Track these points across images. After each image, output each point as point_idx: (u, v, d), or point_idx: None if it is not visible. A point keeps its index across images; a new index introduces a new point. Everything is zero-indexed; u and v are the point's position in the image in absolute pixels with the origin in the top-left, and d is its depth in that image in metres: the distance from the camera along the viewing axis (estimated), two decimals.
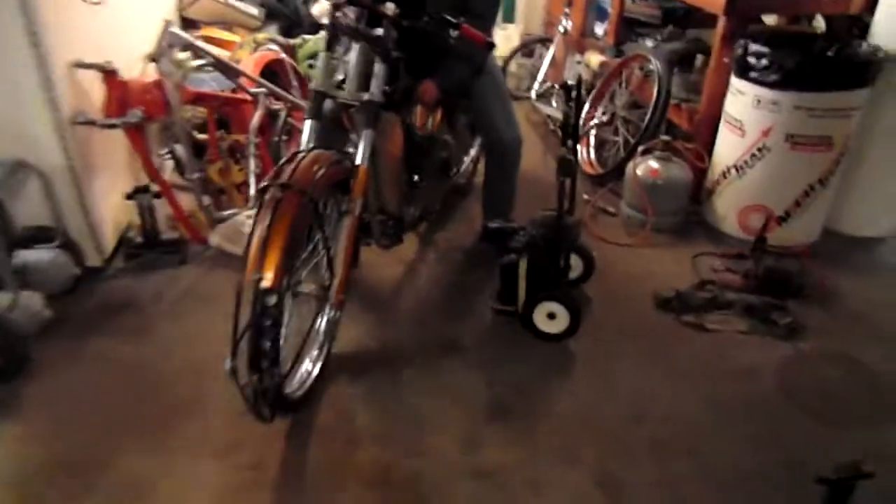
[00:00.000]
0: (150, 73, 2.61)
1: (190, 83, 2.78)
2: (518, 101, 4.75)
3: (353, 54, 2.04)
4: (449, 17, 1.91)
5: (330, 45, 1.98)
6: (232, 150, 3.01)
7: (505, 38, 5.44)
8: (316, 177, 1.67)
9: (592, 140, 3.69)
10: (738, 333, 2.40)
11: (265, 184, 1.60)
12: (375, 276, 2.65)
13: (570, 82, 2.13)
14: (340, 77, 2.14)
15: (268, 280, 1.53)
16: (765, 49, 2.66)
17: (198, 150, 3.04)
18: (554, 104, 4.39)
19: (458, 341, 2.32)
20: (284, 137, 3.18)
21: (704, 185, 3.13)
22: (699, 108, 3.20)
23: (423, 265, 2.76)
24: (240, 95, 2.98)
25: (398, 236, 2.42)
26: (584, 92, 3.63)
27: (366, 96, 1.96)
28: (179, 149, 3.22)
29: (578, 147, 3.46)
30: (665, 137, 3.04)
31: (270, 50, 3.39)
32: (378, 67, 1.97)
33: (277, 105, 3.10)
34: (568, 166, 2.09)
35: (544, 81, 4.62)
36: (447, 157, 2.71)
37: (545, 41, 4.79)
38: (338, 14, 1.96)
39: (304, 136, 1.94)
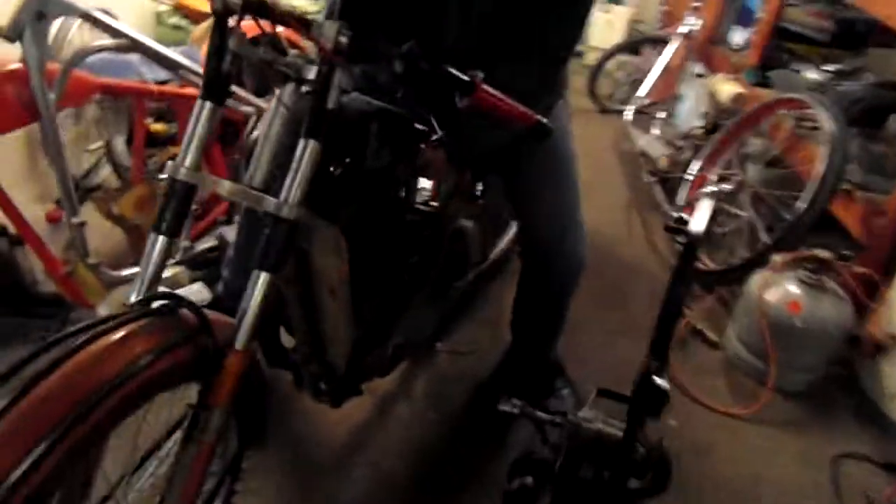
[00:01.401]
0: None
1: (102, 69, 1.84)
2: (607, 114, 3.62)
3: (269, 111, 1.05)
4: (454, 73, 0.88)
5: (212, 88, 0.98)
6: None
7: (605, 24, 4.24)
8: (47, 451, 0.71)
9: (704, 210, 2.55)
10: None
11: None
12: (318, 421, 1.69)
13: (691, 227, 1.06)
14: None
15: None
16: None
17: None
18: (657, 132, 3.23)
19: None
20: None
21: (868, 332, 1.99)
22: (886, 205, 2.03)
23: (402, 404, 1.79)
24: (185, 89, 2.02)
25: (349, 391, 1.46)
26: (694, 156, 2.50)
27: (270, 204, 0.97)
28: (119, 143, 2.36)
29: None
30: (823, 252, 1.91)
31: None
32: (304, 147, 0.97)
33: (249, 108, 2.13)
34: (652, 393, 1.04)
35: (648, 95, 3.46)
36: (463, 253, 1.69)
37: (659, 41, 3.59)
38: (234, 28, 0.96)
39: (141, 272, 0.98)
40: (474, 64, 0.96)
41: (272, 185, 1.04)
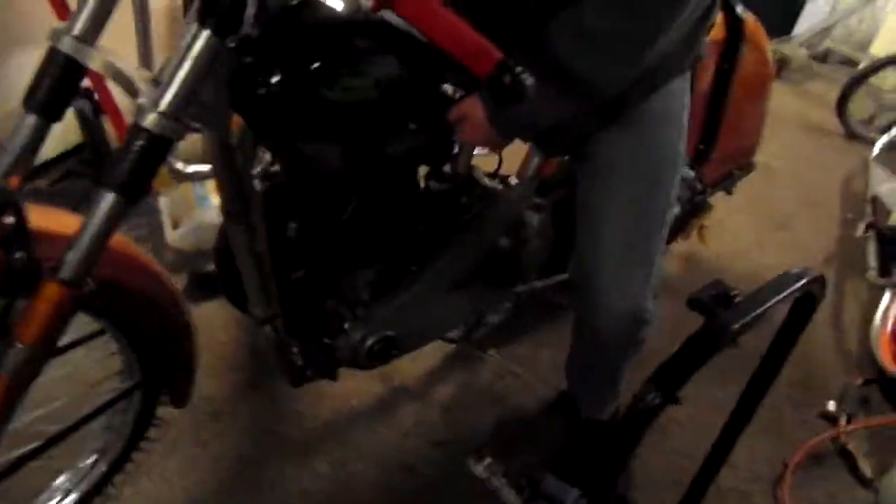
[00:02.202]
0: None
1: None
2: (854, 141, 2.84)
3: None
4: None
5: None
6: None
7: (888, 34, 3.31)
8: None
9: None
10: None
11: None
12: (304, 391, 1.44)
13: (729, 312, 0.60)
14: None
15: None
16: None
17: None
18: None
19: None
20: None
21: None
22: None
23: (411, 408, 1.47)
24: None
25: (314, 373, 1.19)
26: None
27: (140, 101, 0.71)
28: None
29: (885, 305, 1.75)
30: None
31: None
32: (191, 36, 0.69)
33: None
34: None
35: None
36: (517, 251, 1.30)
37: None
38: None
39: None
40: None
41: None
